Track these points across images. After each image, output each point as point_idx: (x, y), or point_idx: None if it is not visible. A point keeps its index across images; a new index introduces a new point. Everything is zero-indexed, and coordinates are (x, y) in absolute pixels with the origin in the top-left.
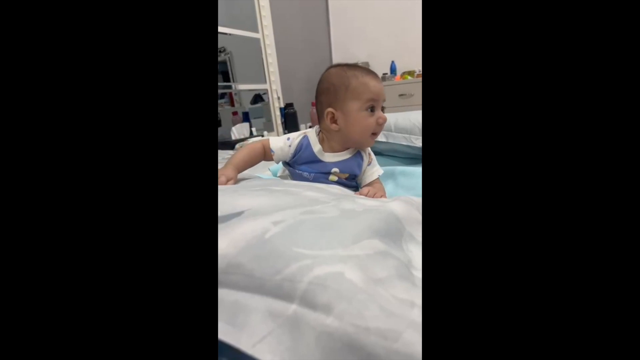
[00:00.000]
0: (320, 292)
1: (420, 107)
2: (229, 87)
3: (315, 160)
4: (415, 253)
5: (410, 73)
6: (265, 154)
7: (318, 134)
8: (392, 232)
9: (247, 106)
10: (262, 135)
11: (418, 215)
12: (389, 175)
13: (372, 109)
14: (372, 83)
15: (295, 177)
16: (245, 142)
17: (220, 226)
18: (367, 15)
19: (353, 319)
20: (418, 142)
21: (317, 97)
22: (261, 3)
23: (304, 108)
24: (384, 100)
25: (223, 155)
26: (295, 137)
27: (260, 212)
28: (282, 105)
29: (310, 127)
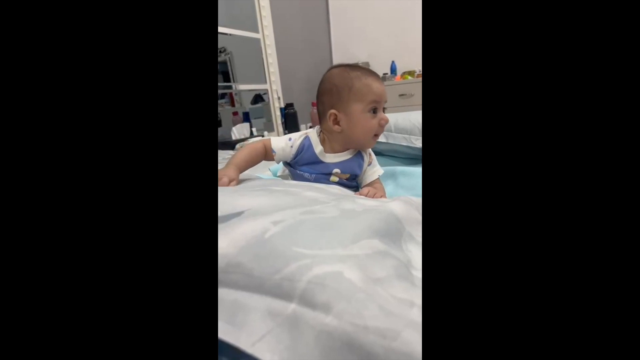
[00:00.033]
0: (320, 292)
1: (421, 107)
2: (230, 87)
3: (317, 162)
4: (414, 253)
5: (411, 73)
6: (267, 154)
7: (319, 134)
8: (391, 232)
9: (248, 106)
10: (263, 136)
11: (418, 216)
12: (389, 176)
13: (374, 111)
14: (375, 85)
15: (295, 177)
16: (245, 142)
17: (220, 226)
18: (368, 15)
19: (352, 318)
20: (418, 143)
21: (318, 97)
22: (261, 3)
23: (304, 108)
24: (386, 101)
25: (223, 156)
26: (296, 137)
27: (260, 212)
28: (283, 106)
29: (310, 127)
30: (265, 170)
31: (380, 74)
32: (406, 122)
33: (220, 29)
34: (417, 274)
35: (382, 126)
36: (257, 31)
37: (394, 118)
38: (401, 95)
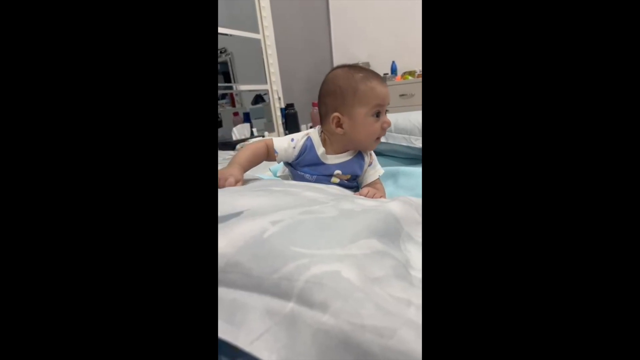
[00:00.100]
0: (317, 291)
1: (421, 107)
2: (230, 87)
3: (318, 163)
4: (413, 253)
5: (411, 73)
6: (269, 154)
7: (320, 135)
8: (390, 232)
9: (248, 107)
10: (263, 136)
11: (417, 216)
12: (389, 176)
13: (377, 114)
14: (379, 88)
15: (296, 178)
16: (246, 143)
17: (219, 226)
18: (368, 16)
19: (349, 317)
20: (418, 143)
21: (321, 98)
22: (261, 3)
23: (304, 108)
24: (389, 103)
25: (224, 156)
26: (299, 138)
27: (259, 212)
28: (283, 106)
29: (311, 127)
30: (265, 170)
31: (381, 74)
32: (406, 122)
33: (221, 30)
34: (416, 273)
35: (384, 129)
36: (257, 31)
37: (394, 118)
38: (402, 95)
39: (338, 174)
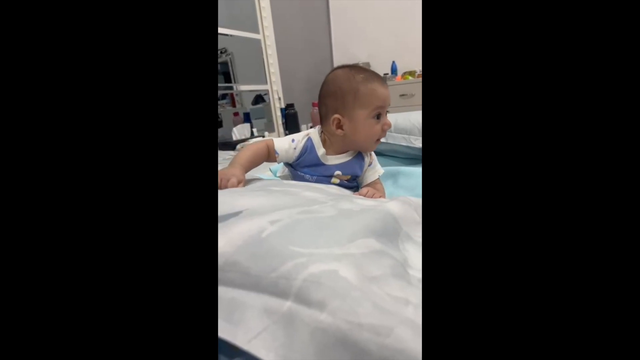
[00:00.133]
0: (315, 290)
1: (421, 107)
2: (231, 87)
3: (319, 164)
4: (411, 252)
5: (411, 73)
6: (269, 155)
7: (320, 135)
8: (388, 232)
9: (249, 107)
10: (263, 136)
11: (416, 216)
12: (389, 176)
13: (378, 116)
14: (380, 90)
15: (296, 178)
16: (246, 143)
17: (218, 225)
18: (368, 16)
19: (346, 316)
20: (417, 143)
21: (321, 98)
22: (261, 4)
23: (304, 108)
24: (389, 105)
25: (224, 156)
26: (299, 139)
27: (258, 212)
28: (283, 106)
29: (311, 127)
30: (265, 170)
31: (381, 74)
32: (406, 122)
33: (221, 30)
34: (414, 273)
35: (385, 131)
36: (257, 32)
37: (393, 118)
38: (402, 95)
39: (338, 174)
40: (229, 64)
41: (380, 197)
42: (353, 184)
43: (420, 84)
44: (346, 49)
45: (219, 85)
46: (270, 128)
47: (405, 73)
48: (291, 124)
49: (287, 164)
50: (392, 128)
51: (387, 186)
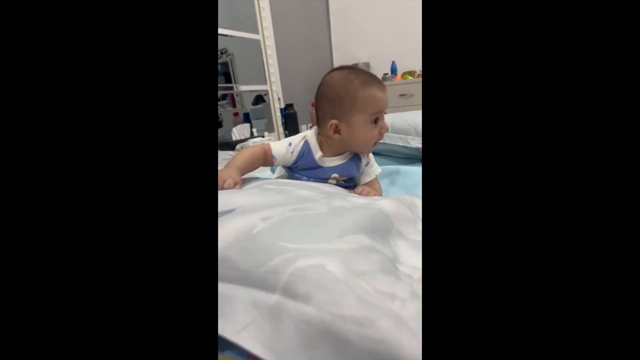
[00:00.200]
0: (301, 283)
1: (421, 107)
2: (231, 88)
3: (316, 167)
4: (402, 249)
5: (411, 73)
6: (266, 160)
7: (317, 137)
8: (379, 229)
9: (249, 107)
10: (263, 136)
11: (409, 213)
12: (386, 175)
13: (376, 121)
14: (378, 94)
15: (293, 179)
16: (246, 143)
17: None
18: (368, 16)
19: (330, 308)
20: (414, 143)
21: (318, 101)
22: (261, 4)
23: (304, 109)
24: (387, 107)
25: (223, 156)
26: (296, 142)
27: (250, 210)
28: (283, 106)
29: (310, 127)
30: (265, 170)
31: (381, 75)
32: (402, 122)
33: (221, 31)
34: (404, 269)
35: (382, 134)
36: (257, 32)
37: (390, 118)
38: (401, 95)
39: (335, 177)
40: (229, 65)
41: (375, 195)
42: (350, 184)
43: (420, 84)
44: (346, 49)
45: (219, 85)
46: (270, 128)
47: (405, 73)
48: (291, 124)
49: (285, 167)
50: (389, 128)
51: (384, 185)
